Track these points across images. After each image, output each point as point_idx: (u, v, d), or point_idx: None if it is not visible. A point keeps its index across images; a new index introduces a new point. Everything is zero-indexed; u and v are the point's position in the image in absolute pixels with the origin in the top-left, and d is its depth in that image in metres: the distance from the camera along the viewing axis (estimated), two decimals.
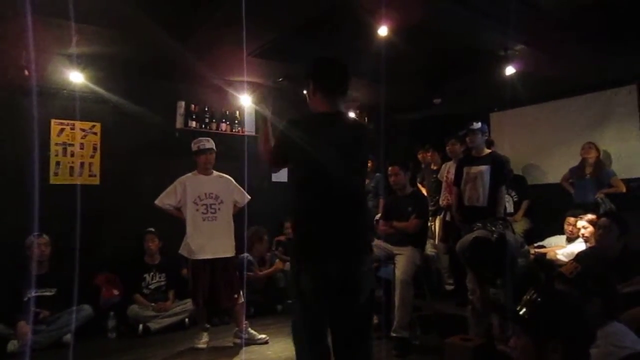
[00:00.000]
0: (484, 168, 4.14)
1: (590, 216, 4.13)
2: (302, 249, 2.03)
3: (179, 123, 5.34)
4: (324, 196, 2.00)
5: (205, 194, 3.97)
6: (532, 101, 6.09)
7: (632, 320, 2.35)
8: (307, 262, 1.99)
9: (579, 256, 3.28)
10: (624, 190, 5.04)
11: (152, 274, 4.72)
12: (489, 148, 4.46)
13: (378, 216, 4.64)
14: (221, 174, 4.14)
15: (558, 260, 4.32)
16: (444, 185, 5.33)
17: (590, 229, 3.97)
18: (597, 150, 5.24)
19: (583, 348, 1.38)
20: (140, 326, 4.35)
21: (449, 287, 5.32)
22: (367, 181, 6.04)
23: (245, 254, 4.89)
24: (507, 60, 4.61)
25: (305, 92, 2.21)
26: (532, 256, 4.81)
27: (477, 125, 4.29)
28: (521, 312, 1.41)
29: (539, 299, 1.40)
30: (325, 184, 2.00)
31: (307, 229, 2.03)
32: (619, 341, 1.77)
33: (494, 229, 3.76)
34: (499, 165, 4.20)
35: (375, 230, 4.49)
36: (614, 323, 1.88)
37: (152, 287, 4.69)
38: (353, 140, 2.09)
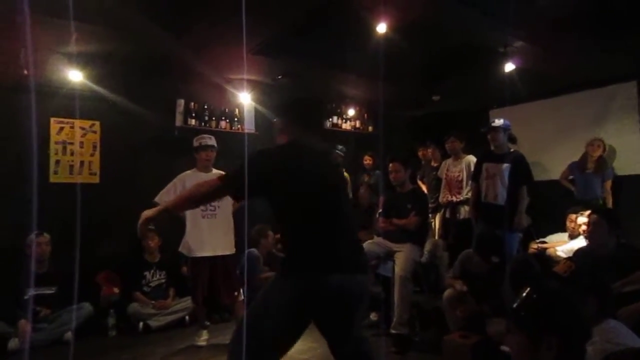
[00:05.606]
0: (504, 166, 4.09)
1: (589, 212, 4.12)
2: (299, 266, 1.99)
3: (179, 121, 5.33)
4: (315, 217, 2.00)
5: None
6: (531, 98, 6.07)
7: (630, 316, 2.36)
8: (303, 278, 1.95)
9: (575, 254, 3.27)
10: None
11: (152, 271, 4.74)
12: (513, 143, 4.36)
13: (378, 213, 4.63)
14: (221, 172, 4.13)
15: (558, 256, 4.32)
16: (443, 182, 5.32)
17: None
18: (604, 148, 5.23)
19: (579, 344, 1.37)
20: (141, 324, 4.36)
21: None
22: (367, 178, 6.05)
23: (253, 249, 4.88)
24: (506, 57, 4.57)
25: (277, 127, 2.25)
26: (533, 250, 4.81)
27: (499, 122, 4.22)
28: (516, 309, 1.41)
29: (534, 295, 1.40)
30: (313, 204, 2.00)
31: (305, 247, 2.00)
32: (615, 338, 1.77)
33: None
34: (520, 165, 4.13)
35: (375, 227, 4.48)
36: (609, 320, 1.88)
37: (152, 285, 4.70)
38: (324, 161, 2.19)
